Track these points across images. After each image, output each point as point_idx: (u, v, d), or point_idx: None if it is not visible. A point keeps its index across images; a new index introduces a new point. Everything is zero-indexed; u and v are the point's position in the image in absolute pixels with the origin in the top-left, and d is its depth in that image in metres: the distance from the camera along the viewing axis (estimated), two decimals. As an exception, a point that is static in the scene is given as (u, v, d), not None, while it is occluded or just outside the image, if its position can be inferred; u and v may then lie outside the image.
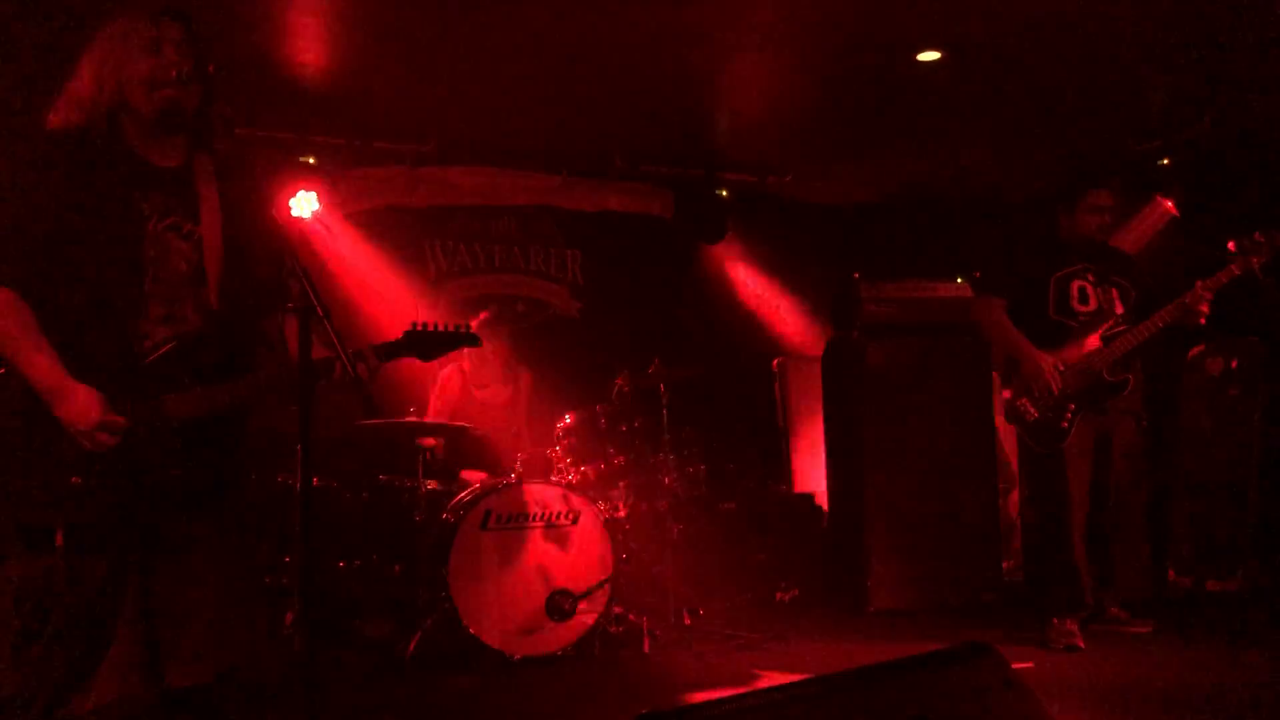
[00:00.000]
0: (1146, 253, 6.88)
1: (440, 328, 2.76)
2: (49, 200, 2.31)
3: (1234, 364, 6.40)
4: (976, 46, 5.48)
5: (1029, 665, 4.22)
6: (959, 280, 6.25)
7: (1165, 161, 6.97)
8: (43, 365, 2.26)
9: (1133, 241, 6.91)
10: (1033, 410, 4.82)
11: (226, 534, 2.48)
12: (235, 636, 2.43)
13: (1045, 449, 4.80)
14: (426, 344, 2.74)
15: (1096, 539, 4.88)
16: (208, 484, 2.43)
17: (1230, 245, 4.62)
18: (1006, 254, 5.17)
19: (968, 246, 6.78)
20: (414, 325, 2.73)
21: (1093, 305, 4.87)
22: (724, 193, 7.65)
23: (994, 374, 6.28)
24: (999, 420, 6.28)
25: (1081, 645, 4.62)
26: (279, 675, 4.31)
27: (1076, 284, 4.89)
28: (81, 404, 2.26)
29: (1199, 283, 4.62)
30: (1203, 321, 4.64)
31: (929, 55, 5.53)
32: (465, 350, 5.82)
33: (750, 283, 7.87)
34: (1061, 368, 4.75)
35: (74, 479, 2.25)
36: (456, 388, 5.92)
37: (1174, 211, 7.02)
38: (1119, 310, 4.86)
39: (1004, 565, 6.25)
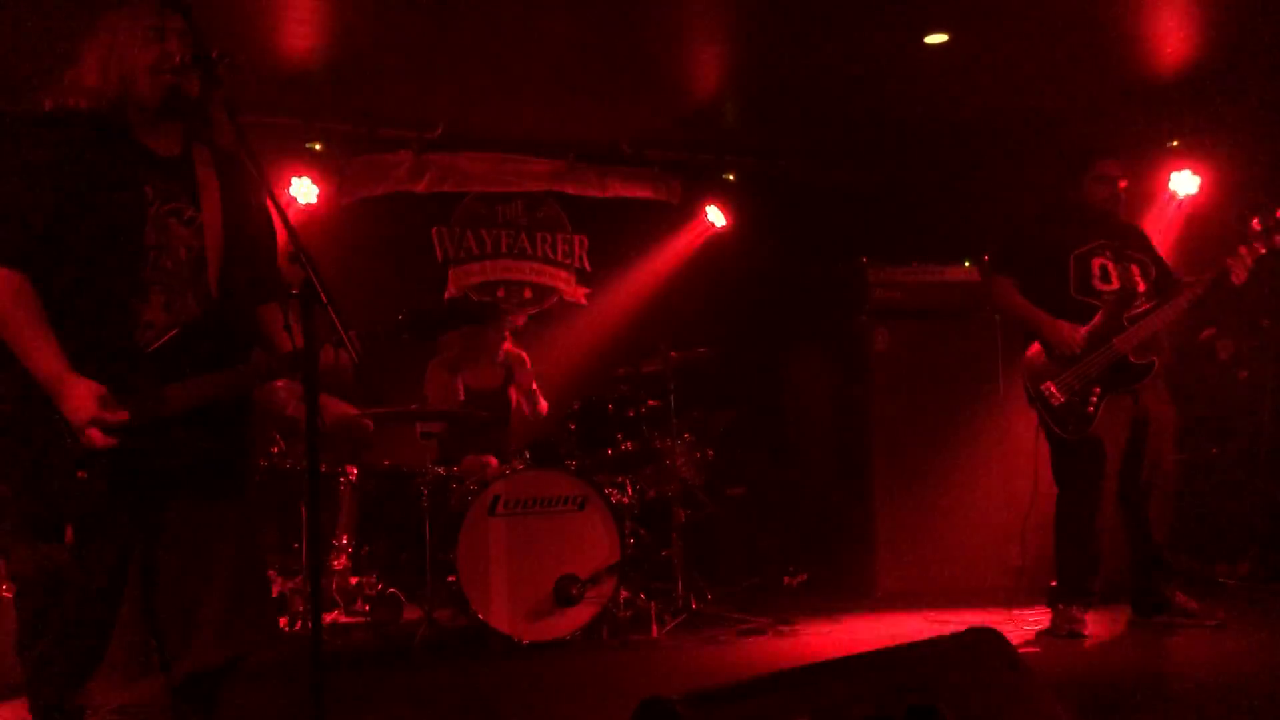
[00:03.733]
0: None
1: (437, 307, 2.75)
2: (51, 182, 2.30)
3: (1244, 347, 6.37)
4: (983, 30, 5.44)
5: (1035, 650, 4.23)
6: (966, 264, 6.23)
7: (1175, 143, 6.92)
8: (45, 356, 2.25)
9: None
10: (1058, 394, 4.73)
11: (234, 520, 2.48)
12: (246, 622, 2.42)
13: (1071, 435, 4.74)
14: (424, 324, 2.72)
15: (1142, 528, 4.75)
16: (213, 472, 2.43)
17: (1254, 223, 4.54)
18: (1015, 231, 5.09)
19: (976, 230, 6.74)
20: (409, 309, 2.71)
21: (1115, 284, 4.75)
22: (731, 177, 7.63)
23: (998, 360, 6.28)
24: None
25: (1085, 633, 4.58)
26: (287, 661, 4.33)
27: (1097, 261, 4.78)
28: (79, 399, 2.23)
29: (1241, 248, 4.49)
30: (1240, 281, 4.49)
31: (936, 37, 5.50)
32: (452, 338, 5.88)
33: (757, 267, 7.85)
34: (1081, 338, 4.65)
35: (80, 472, 2.24)
36: (444, 376, 5.92)
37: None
38: (1142, 288, 4.75)
39: (1011, 549, 6.24)
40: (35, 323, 2.26)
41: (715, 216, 7.54)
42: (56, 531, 2.23)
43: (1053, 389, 4.74)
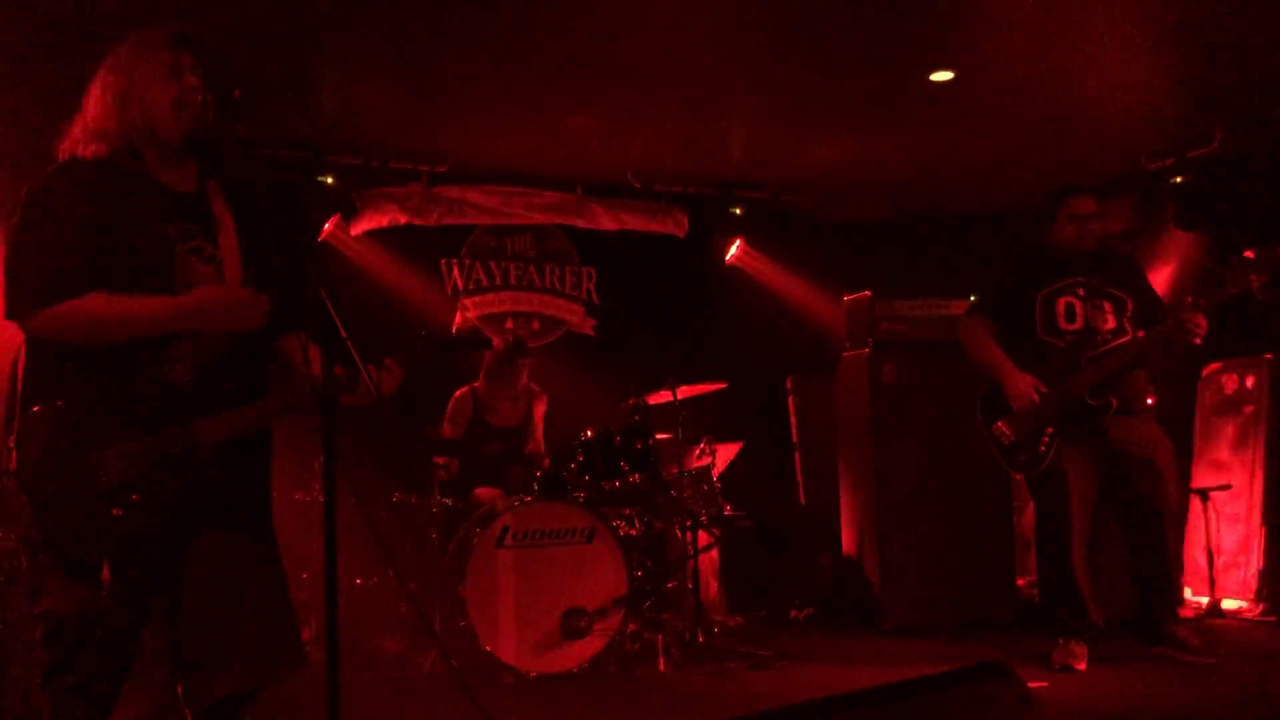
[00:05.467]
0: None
1: (454, 333, 2.77)
2: (83, 228, 2.31)
3: (1248, 382, 6.38)
4: (989, 67, 5.50)
5: (1044, 684, 4.22)
6: (972, 299, 6.26)
7: (1178, 180, 6.96)
8: (155, 305, 2.33)
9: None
10: (1009, 434, 4.73)
11: (259, 548, 2.49)
12: (275, 649, 2.43)
13: (1023, 473, 4.73)
14: (442, 350, 2.75)
15: (1145, 562, 4.68)
16: (238, 502, 2.45)
17: (1232, 260, 4.48)
18: (995, 272, 5.08)
19: (979, 265, 6.77)
20: (426, 332, 2.74)
21: (1079, 324, 4.70)
22: (738, 210, 7.68)
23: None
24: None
25: (1080, 668, 4.55)
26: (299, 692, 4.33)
27: (1064, 301, 4.73)
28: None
29: (1188, 300, 4.48)
30: (1198, 341, 4.43)
31: (942, 75, 5.55)
32: (480, 371, 5.91)
33: (764, 300, 7.89)
34: (1042, 388, 4.61)
35: (114, 510, 2.26)
36: (469, 409, 5.94)
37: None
38: (1109, 325, 4.67)
39: (1019, 582, 6.24)
40: (124, 300, 2.32)
41: (736, 252, 7.59)
42: (93, 570, 2.24)
43: (1004, 428, 4.74)
